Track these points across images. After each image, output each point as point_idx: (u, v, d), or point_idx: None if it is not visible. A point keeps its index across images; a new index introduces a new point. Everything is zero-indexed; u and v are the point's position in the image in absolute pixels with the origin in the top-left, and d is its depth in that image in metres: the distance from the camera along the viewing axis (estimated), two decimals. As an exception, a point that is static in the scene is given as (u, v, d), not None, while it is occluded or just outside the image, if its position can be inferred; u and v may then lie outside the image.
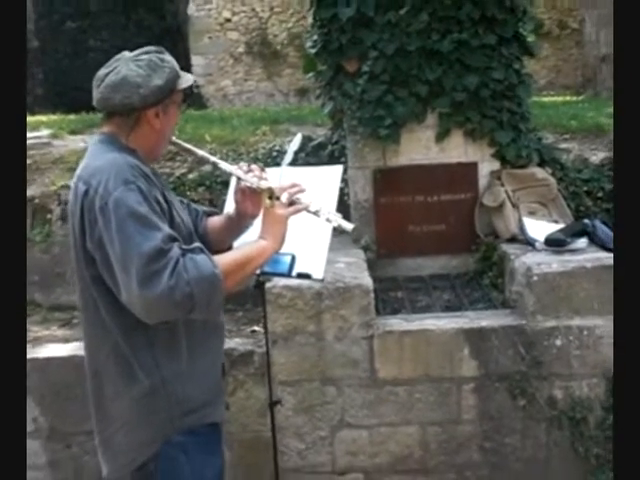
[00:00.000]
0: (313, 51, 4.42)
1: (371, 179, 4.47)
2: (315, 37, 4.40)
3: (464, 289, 4.25)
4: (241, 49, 14.15)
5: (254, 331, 4.08)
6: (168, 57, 2.24)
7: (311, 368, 3.64)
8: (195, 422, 2.21)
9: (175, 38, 14.85)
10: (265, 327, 3.10)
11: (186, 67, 14.41)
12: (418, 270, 4.51)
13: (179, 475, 2.20)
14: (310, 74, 4.78)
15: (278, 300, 3.57)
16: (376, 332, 3.62)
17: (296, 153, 2.97)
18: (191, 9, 14.21)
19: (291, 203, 2.22)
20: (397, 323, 3.72)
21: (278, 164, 4.79)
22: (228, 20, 14.18)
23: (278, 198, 2.19)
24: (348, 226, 2.25)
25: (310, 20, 4.51)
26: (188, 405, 2.19)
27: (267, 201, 2.19)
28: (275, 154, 5.06)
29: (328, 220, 2.24)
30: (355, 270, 3.80)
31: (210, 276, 1.99)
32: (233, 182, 2.58)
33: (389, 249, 4.50)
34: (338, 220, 2.25)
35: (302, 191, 2.25)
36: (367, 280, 3.67)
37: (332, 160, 4.75)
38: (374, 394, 3.65)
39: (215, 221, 2.52)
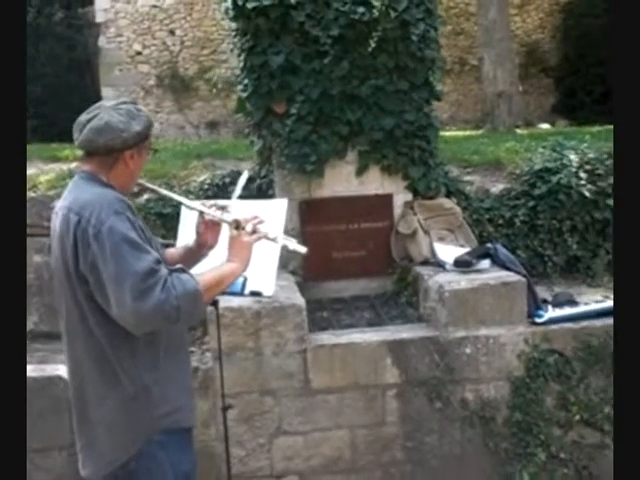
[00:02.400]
0: (244, 94, 4.80)
1: (298, 210, 4.88)
2: (246, 81, 4.78)
3: (383, 308, 4.69)
4: (152, 82, 14.32)
5: (191, 351, 4.39)
6: (141, 107, 2.61)
7: (251, 381, 3.99)
8: (172, 425, 2.54)
9: (84, 69, 14.96)
10: (219, 342, 3.42)
11: (96, 99, 14.51)
12: (341, 292, 4.95)
13: (159, 470, 2.50)
14: (240, 114, 5.17)
15: (221, 320, 3.89)
16: (309, 346, 4.02)
17: (243, 188, 3.36)
18: (102, 41, 14.29)
19: (253, 232, 2.62)
20: (327, 338, 4.13)
21: (209, 197, 5.17)
22: (139, 53, 14.34)
23: (244, 228, 2.58)
24: (302, 249, 2.66)
25: (240, 65, 4.89)
26: (166, 408, 2.52)
27: (234, 231, 2.59)
28: (207, 187, 5.39)
29: (285, 245, 2.65)
30: (288, 291, 4.19)
31: (194, 292, 2.36)
32: (183, 215, 2.96)
33: (314, 273, 4.91)
34: (294, 245, 2.66)
35: (262, 222, 2.65)
36: (300, 300, 4.06)
37: (260, 193, 5.16)
38: (308, 402, 4.03)
39: (172, 252, 2.87)
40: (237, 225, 2.58)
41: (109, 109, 2.50)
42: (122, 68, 14.33)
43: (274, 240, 2.64)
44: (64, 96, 13.42)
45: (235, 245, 2.59)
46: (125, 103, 2.56)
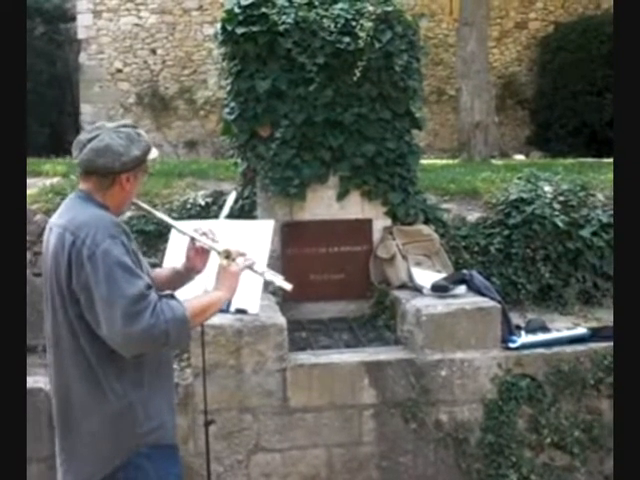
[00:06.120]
0: (230, 117, 4.91)
1: (279, 232, 4.96)
2: (233, 104, 4.89)
3: (360, 330, 4.78)
4: (131, 99, 14.33)
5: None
6: (142, 132, 2.68)
7: (230, 398, 4.06)
8: (155, 441, 2.59)
9: (64, 85, 14.97)
10: (203, 358, 3.50)
11: (74, 114, 14.52)
12: (319, 313, 5.03)
13: None
14: (225, 136, 5.27)
15: (202, 337, 3.97)
16: (289, 365, 4.10)
17: (231, 208, 3.45)
18: (82, 57, 14.28)
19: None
20: (306, 357, 4.22)
21: (192, 216, 5.25)
22: (119, 70, 14.34)
23: (234, 259, 2.68)
24: (287, 286, 2.75)
25: (227, 89, 5.00)
26: (149, 425, 2.57)
27: (224, 261, 2.68)
28: (189, 206, 5.47)
29: (271, 281, 2.74)
30: (269, 311, 4.27)
31: (182, 317, 2.44)
32: (172, 236, 3.03)
33: (294, 294, 4.94)
34: (280, 281, 2.75)
35: (252, 261, 2.74)
36: (281, 319, 4.15)
37: (243, 213, 5.25)
38: (286, 420, 4.10)
39: (159, 273, 2.93)
40: (227, 255, 2.68)
41: (110, 131, 2.55)
42: (102, 85, 14.30)
43: (262, 275, 2.74)
44: (43, 111, 13.42)
45: (224, 274, 2.67)
46: (126, 126, 2.62)
